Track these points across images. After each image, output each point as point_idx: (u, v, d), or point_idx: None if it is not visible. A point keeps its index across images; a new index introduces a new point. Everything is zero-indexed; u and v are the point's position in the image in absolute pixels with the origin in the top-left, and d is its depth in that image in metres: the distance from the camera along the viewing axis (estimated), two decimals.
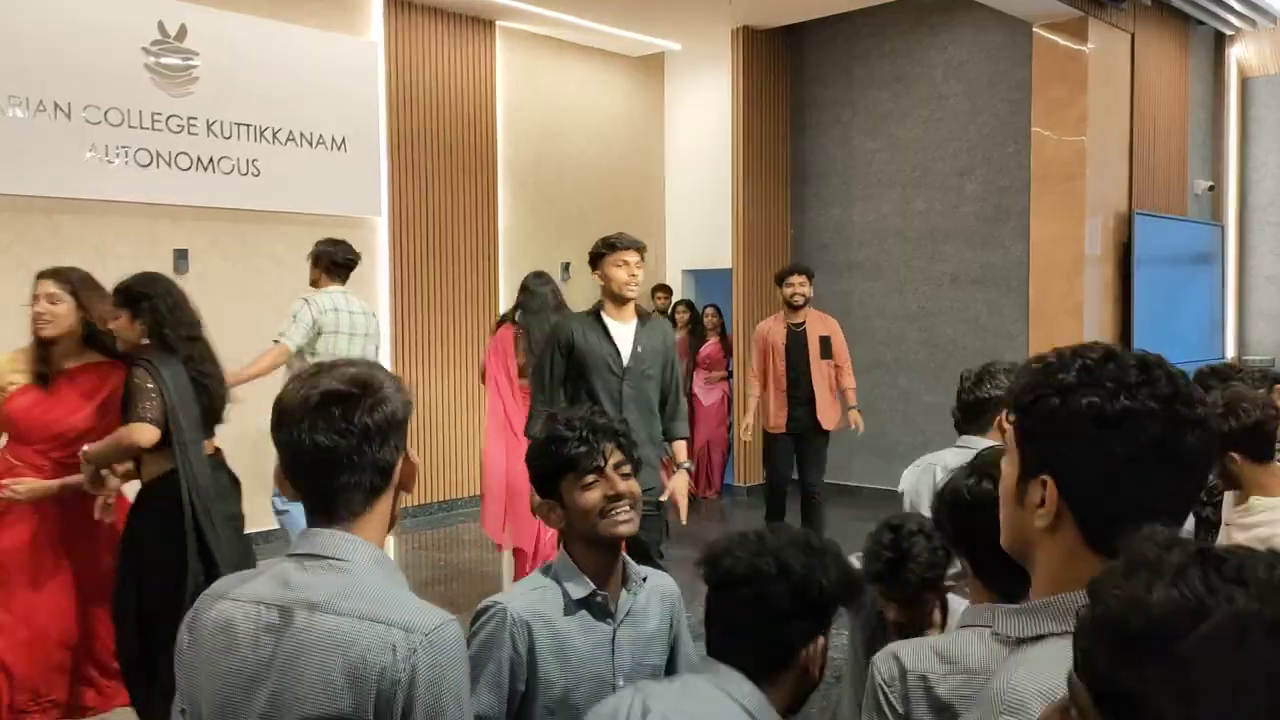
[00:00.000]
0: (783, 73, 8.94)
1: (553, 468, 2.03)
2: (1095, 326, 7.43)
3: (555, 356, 4.06)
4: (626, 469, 2.05)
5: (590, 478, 1.99)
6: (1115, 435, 1.16)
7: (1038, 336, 7.48)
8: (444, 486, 8.13)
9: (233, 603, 1.44)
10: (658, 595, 2.13)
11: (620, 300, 4.10)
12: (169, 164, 6.52)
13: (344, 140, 7.37)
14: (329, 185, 7.29)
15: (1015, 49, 7.62)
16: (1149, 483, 1.16)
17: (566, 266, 8.99)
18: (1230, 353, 8.99)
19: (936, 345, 8.25)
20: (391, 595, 1.41)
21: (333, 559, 1.42)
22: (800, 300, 6.30)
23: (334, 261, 5.37)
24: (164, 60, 6.49)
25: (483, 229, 8.33)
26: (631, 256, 4.04)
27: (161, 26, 6.46)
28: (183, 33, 6.54)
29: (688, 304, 9.20)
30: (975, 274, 8.04)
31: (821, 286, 8.89)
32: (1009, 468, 1.28)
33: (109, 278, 6.22)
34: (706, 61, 9.20)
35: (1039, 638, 1.17)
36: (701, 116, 9.46)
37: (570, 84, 9.01)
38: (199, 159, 6.65)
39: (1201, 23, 8.40)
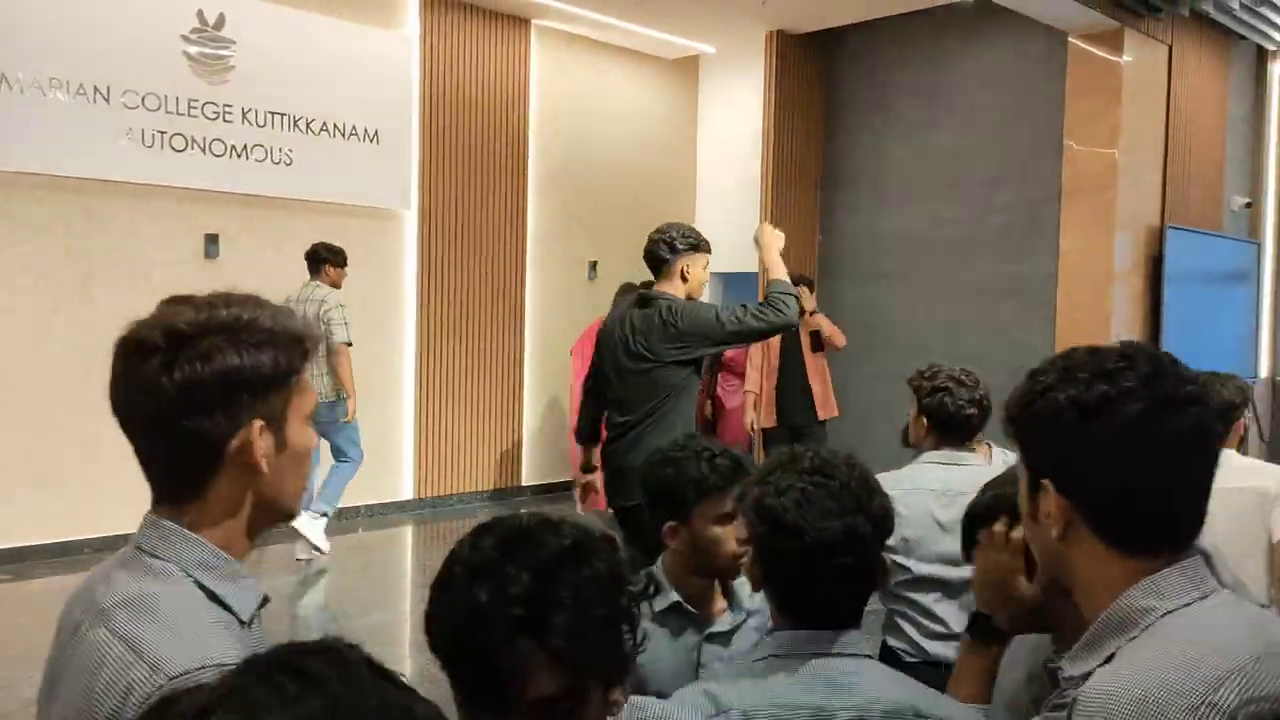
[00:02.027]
0: (816, 78, 8.93)
1: (694, 494, 1.98)
2: (1122, 337, 7.34)
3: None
4: None
5: (729, 513, 1.95)
6: (1099, 424, 1.13)
7: (1064, 349, 7.40)
8: (464, 479, 8.17)
9: (76, 589, 1.23)
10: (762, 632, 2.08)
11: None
12: (203, 150, 6.64)
13: (377, 132, 7.45)
14: (360, 176, 7.38)
15: (1050, 59, 7.55)
16: (1147, 469, 1.12)
17: (594, 266, 9.04)
18: (1264, 372, 8.83)
19: (962, 356, 8.10)
20: (174, 617, 1.08)
21: (150, 555, 1.14)
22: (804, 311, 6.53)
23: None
24: (202, 48, 6.60)
25: (511, 225, 8.39)
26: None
27: (201, 15, 6.58)
28: (221, 22, 6.66)
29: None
30: (1003, 285, 7.97)
31: (848, 294, 8.87)
32: (1022, 487, 1.24)
33: (139, 259, 6.39)
34: (740, 65, 9.20)
35: (1108, 659, 1.11)
36: (734, 120, 9.46)
37: (604, 84, 9.06)
38: (233, 146, 6.76)
39: (1243, 37, 8.27)
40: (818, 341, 6.66)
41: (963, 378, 2.77)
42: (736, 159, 9.33)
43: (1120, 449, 1.12)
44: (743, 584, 2.05)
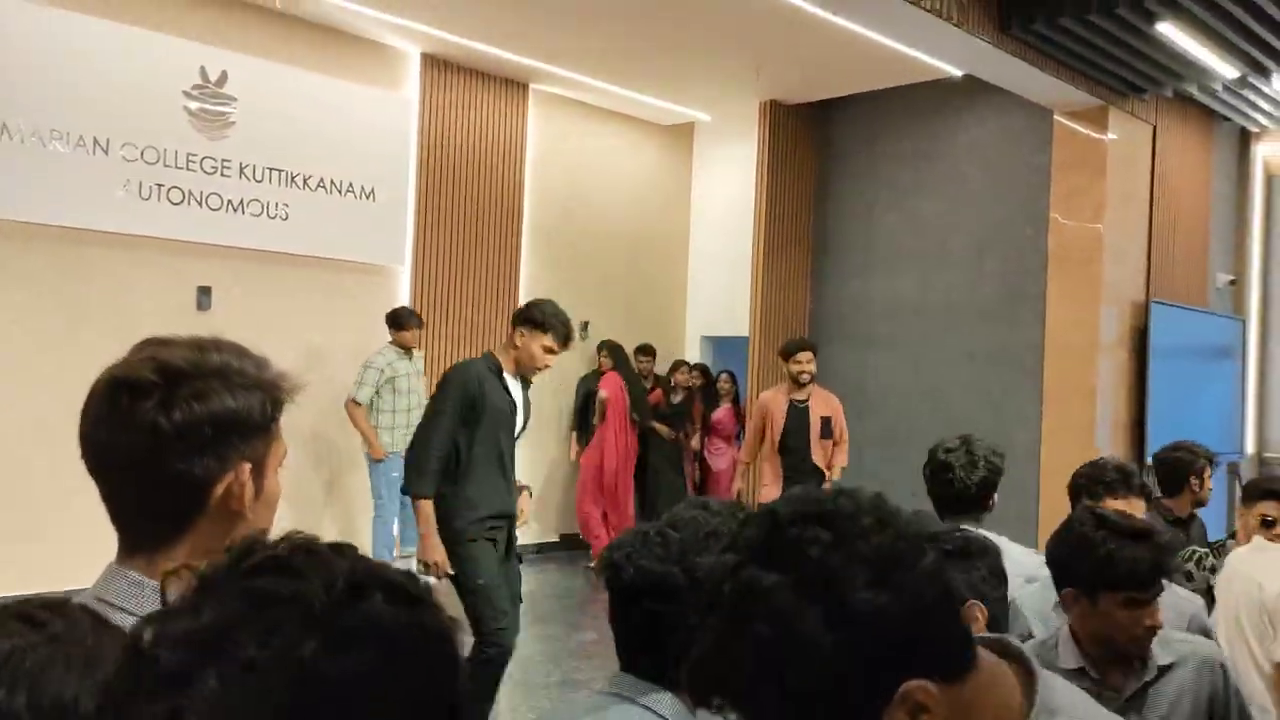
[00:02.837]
0: (808, 146, 9.09)
1: (1111, 577, 2.02)
2: (1109, 412, 7.38)
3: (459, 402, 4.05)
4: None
5: (1140, 601, 2.02)
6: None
7: (1051, 419, 7.44)
8: None
9: None
10: (1189, 692, 2.09)
11: (530, 370, 4.17)
12: (200, 203, 6.70)
13: (373, 190, 7.54)
14: (355, 232, 7.45)
15: (1036, 134, 7.70)
16: None
17: (585, 326, 9.08)
18: (1250, 448, 8.87)
19: (951, 422, 8.15)
20: None
21: (114, 606, 1.07)
22: (806, 378, 6.33)
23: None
24: (203, 104, 6.71)
25: (504, 285, 8.45)
26: (560, 351, 4.14)
27: (204, 71, 6.69)
28: (224, 79, 6.77)
29: (702, 369, 9.23)
30: (991, 353, 8.03)
31: (837, 359, 8.92)
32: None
33: (131, 310, 6.41)
34: (734, 132, 9.36)
35: None
36: (727, 186, 9.60)
37: (600, 147, 9.20)
38: (229, 200, 6.83)
39: (1227, 118, 8.46)
40: (828, 429, 6.34)
41: (950, 455, 2.81)
42: (729, 224, 9.45)
43: None
44: None
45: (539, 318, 4.03)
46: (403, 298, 7.83)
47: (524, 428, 4.31)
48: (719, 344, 9.86)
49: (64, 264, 6.26)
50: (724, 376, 9.13)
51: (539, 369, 4.13)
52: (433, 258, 7.97)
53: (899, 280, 8.58)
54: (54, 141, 6.12)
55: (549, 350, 4.06)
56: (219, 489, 1.11)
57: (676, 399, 8.89)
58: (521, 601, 4.31)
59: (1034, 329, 7.70)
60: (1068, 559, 2.10)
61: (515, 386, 4.17)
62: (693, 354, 9.68)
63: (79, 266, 6.33)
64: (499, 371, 4.10)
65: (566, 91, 8.76)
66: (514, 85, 8.44)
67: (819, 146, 9.13)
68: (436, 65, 7.93)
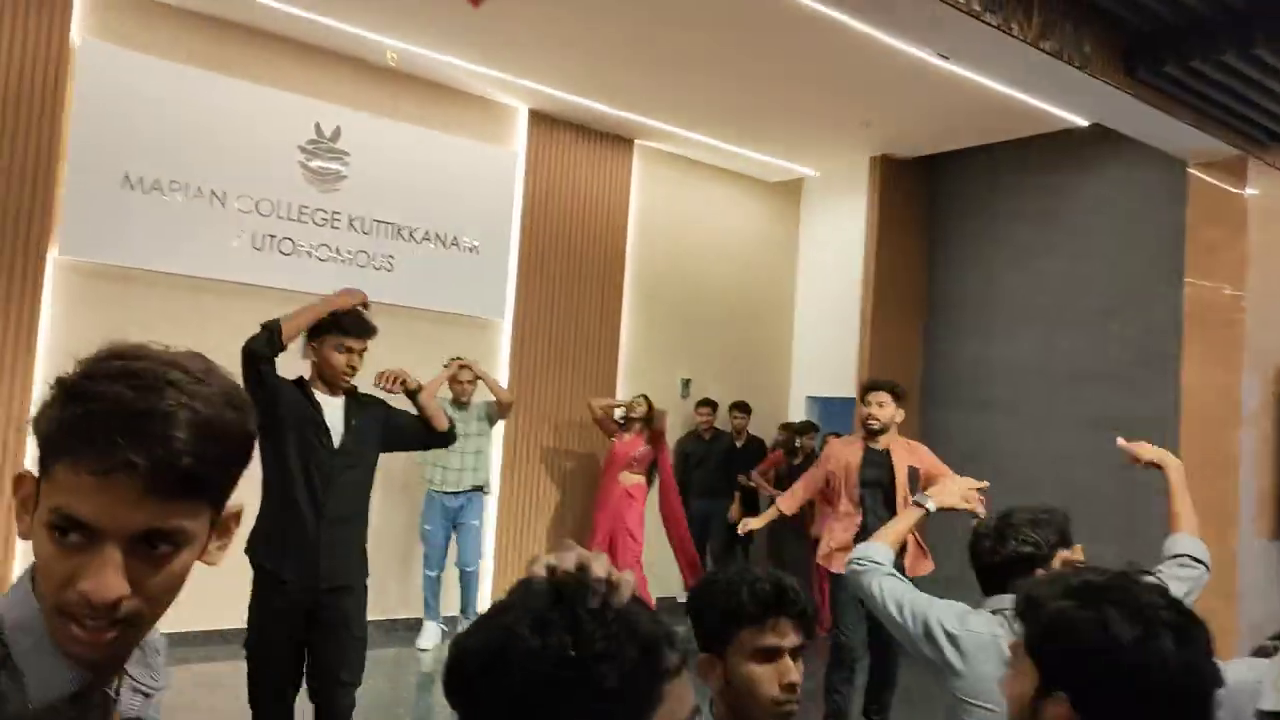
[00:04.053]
0: (921, 202, 8.80)
1: (731, 620, 1.77)
2: (1252, 486, 6.78)
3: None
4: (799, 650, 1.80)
5: (769, 648, 1.75)
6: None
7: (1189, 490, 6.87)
8: None
9: None
10: None
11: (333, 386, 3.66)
12: (309, 254, 6.84)
13: (477, 243, 7.60)
14: (458, 285, 7.49)
15: (1168, 187, 7.25)
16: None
17: (686, 384, 8.91)
18: None
19: (1075, 492, 7.65)
20: None
21: None
22: (876, 425, 5.19)
23: None
24: (318, 158, 6.88)
25: (604, 339, 8.37)
26: (358, 345, 3.63)
27: (318, 127, 6.88)
28: (337, 134, 6.95)
29: (786, 425, 8.82)
30: (1119, 420, 7.46)
31: (952, 424, 8.50)
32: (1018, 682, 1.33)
33: (239, 357, 6.51)
34: (844, 188, 9.14)
35: None
36: (836, 242, 9.36)
37: (705, 203, 9.11)
38: (338, 251, 6.95)
39: None
40: (916, 480, 5.19)
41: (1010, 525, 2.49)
42: (838, 282, 9.19)
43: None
44: None
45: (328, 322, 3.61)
46: (503, 351, 7.82)
47: (350, 451, 3.68)
48: (825, 405, 9.53)
49: (182, 311, 6.44)
50: (830, 438, 8.76)
51: (342, 375, 3.62)
52: (534, 311, 7.95)
53: (1019, 342, 8.15)
54: (174, 192, 6.34)
55: (349, 351, 3.61)
56: None
57: (797, 462, 8.50)
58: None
59: (1167, 395, 7.16)
60: None
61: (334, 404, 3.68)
62: (797, 414, 9.37)
63: (195, 314, 6.49)
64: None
65: (672, 147, 8.72)
66: (619, 140, 8.44)
67: (932, 202, 8.84)
68: (543, 121, 7.99)
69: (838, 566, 4.95)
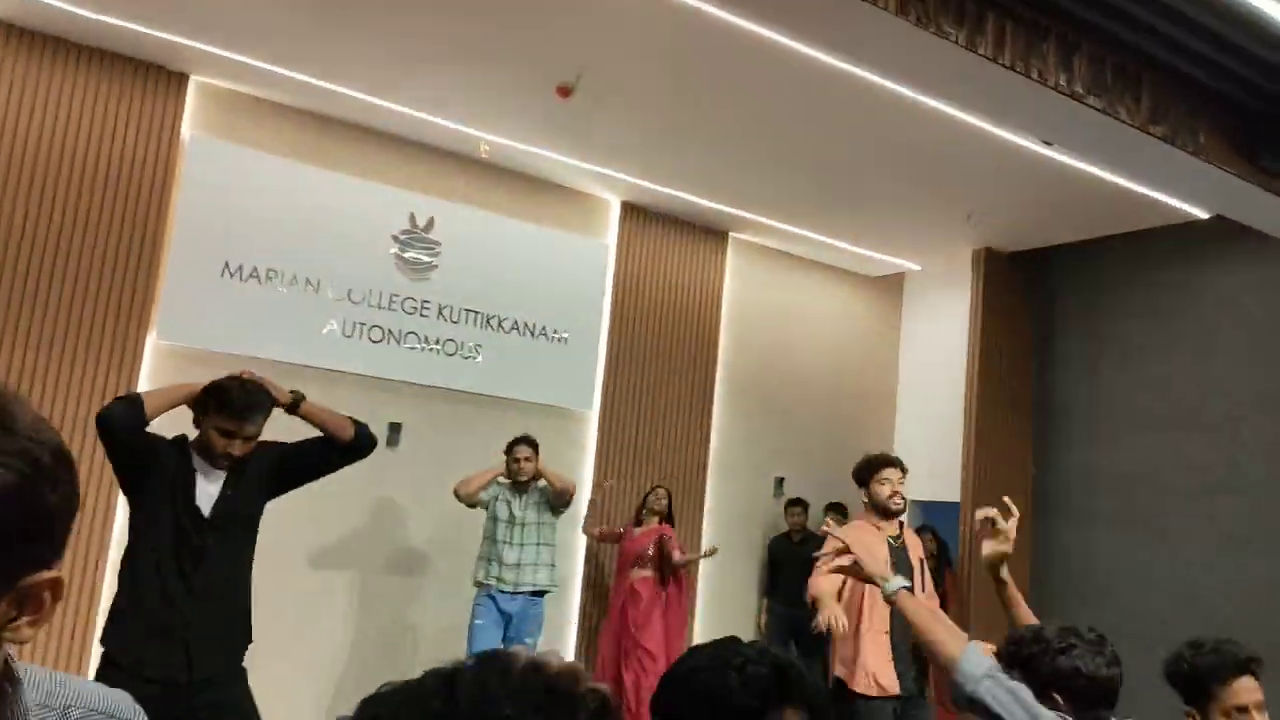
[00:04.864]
0: (1027, 297, 8.40)
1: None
2: None
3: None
4: None
5: None
6: None
7: None
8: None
9: None
10: None
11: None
12: (398, 342, 6.88)
13: (566, 334, 7.54)
14: (545, 375, 7.42)
15: None
16: None
17: (780, 482, 8.59)
18: None
19: (1200, 619, 6.98)
20: None
21: None
22: (900, 504, 4.49)
23: None
24: (410, 248, 6.97)
25: (694, 434, 8.14)
26: (238, 429, 3.24)
27: (413, 218, 6.98)
28: (430, 224, 7.04)
29: (933, 533, 8.19)
30: (1254, 538, 6.85)
31: (1063, 535, 7.92)
32: None
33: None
34: (947, 282, 8.82)
35: None
36: (939, 339, 8.99)
37: (801, 298, 8.90)
38: (426, 339, 6.98)
39: None
40: (940, 579, 4.85)
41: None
42: (941, 379, 8.78)
43: None
44: None
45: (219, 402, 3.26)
46: (590, 443, 7.67)
47: (219, 524, 3.32)
48: (928, 509, 9.03)
49: None
50: (927, 536, 8.25)
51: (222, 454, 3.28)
52: (622, 403, 7.81)
53: (1132, 449, 7.59)
54: (270, 280, 6.48)
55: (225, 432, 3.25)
56: None
57: None
58: None
59: None
60: None
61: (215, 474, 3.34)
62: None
63: None
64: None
65: (767, 240, 8.58)
66: (713, 233, 8.35)
67: (1039, 298, 8.43)
68: (636, 213, 7.97)
69: (885, 686, 4.29)
